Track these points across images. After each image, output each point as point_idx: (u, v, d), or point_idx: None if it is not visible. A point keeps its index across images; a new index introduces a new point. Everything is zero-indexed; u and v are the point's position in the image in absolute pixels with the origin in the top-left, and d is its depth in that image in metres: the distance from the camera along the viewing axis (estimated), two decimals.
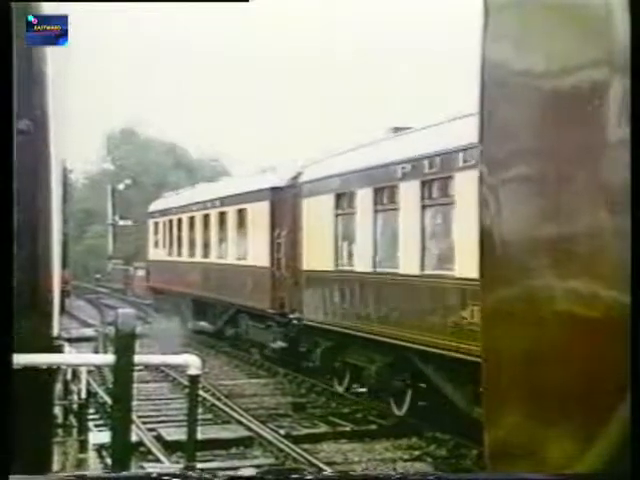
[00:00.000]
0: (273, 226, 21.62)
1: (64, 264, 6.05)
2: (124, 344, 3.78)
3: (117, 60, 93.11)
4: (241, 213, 24.45)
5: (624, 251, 2.30)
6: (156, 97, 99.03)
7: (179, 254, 31.35)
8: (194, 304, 29.95)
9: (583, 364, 2.54)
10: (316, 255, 18.92)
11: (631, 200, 2.29)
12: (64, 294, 7.24)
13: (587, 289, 2.53)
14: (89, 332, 28.48)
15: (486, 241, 3.22)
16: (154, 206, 36.94)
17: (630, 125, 2.30)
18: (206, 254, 27.91)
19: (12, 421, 2.90)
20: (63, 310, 6.06)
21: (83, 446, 8.79)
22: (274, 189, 21.79)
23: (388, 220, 16.02)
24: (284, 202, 21.16)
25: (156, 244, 35.24)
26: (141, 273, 53.44)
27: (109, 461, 6.89)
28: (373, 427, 15.89)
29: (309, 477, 4.02)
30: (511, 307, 3.00)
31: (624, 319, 2.29)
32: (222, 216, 26.30)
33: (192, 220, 29.63)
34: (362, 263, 16.71)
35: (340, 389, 18.74)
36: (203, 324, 29.00)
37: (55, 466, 4.91)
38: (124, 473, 3.63)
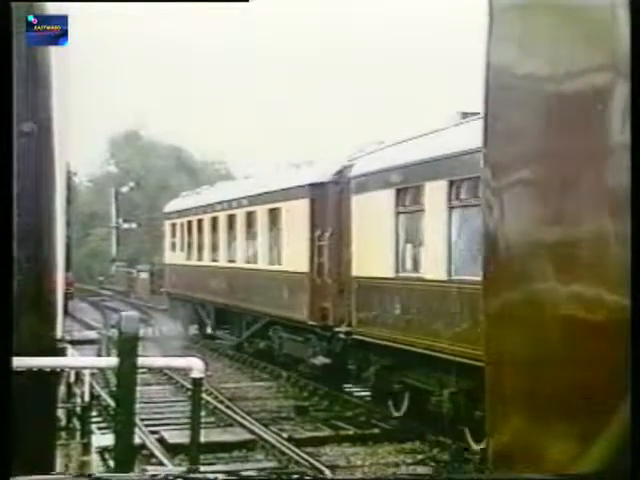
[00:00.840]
0: (313, 227, 18.92)
1: (67, 266, 6.06)
2: (127, 347, 3.78)
3: (120, 63, 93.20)
4: (273, 213, 21.75)
5: (628, 255, 2.30)
6: (160, 100, 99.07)
7: (199, 258, 28.71)
8: (216, 312, 27.45)
9: (587, 367, 2.53)
10: (370, 260, 16.26)
11: (631, 204, 2.29)
12: (67, 296, 7.24)
13: (590, 293, 2.53)
14: (92, 334, 28.54)
15: (489, 245, 3.22)
16: (171, 206, 34.29)
17: (631, 129, 2.30)
18: (231, 258, 25.25)
19: (13, 422, 2.90)
20: (66, 312, 6.07)
21: (86, 449, 8.79)
22: (314, 185, 18.99)
23: (468, 218, 13.26)
24: (326, 200, 18.55)
25: (173, 247, 32.65)
26: (144, 276, 53.58)
27: (112, 464, 6.89)
28: (376, 431, 15.85)
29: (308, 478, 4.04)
30: (514, 311, 2.99)
31: (627, 322, 2.29)
32: (250, 216, 23.62)
33: (215, 221, 26.87)
34: (432, 269, 14.13)
35: (397, 414, 16.29)
36: (226, 334, 26.96)
37: (58, 468, 4.91)
38: (130, 475, 3.63)
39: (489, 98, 3.18)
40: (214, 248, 27.07)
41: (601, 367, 2.43)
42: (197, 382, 4.11)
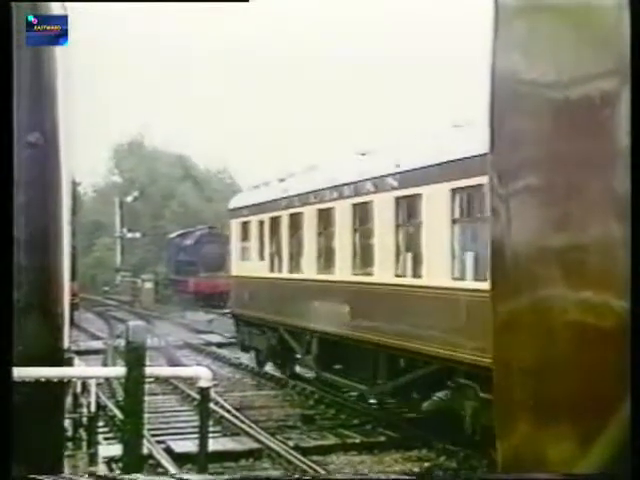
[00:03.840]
0: None
1: (73, 276, 6.07)
2: (135, 356, 3.78)
3: (123, 72, 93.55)
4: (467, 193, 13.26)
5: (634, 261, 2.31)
6: (164, 109, 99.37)
7: (293, 269, 20.39)
8: (321, 345, 19.07)
9: (593, 373, 2.53)
10: None
11: (631, 209, 2.29)
12: (72, 306, 7.25)
13: (597, 299, 2.53)
14: (97, 345, 28.55)
15: (497, 251, 3.22)
16: (239, 200, 25.75)
17: (631, 133, 2.31)
18: (358, 270, 16.95)
19: (14, 432, 2.91)
20: (72, 323, 6.07)
21: (93, 459, 8.79)
22: None
23: None
24: None
25: (244, 254, 24.26)
26: (149, 285, 53.60)
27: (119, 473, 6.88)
28: (382, 439, 15.83)
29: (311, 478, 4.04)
30: (522, 317, 2.99)
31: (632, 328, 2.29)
32: (409, 203, 15.03)
33: (325, 215, 18.39)
34: None
35: None
36: (342, 379, 18.69)
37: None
38: (133, 475, 3.63)
39: (494, 104, 3.18)
40: (322, 256, 18.74)
41: (610, 373, 2.43)
42: (205, 391, 4.10)
